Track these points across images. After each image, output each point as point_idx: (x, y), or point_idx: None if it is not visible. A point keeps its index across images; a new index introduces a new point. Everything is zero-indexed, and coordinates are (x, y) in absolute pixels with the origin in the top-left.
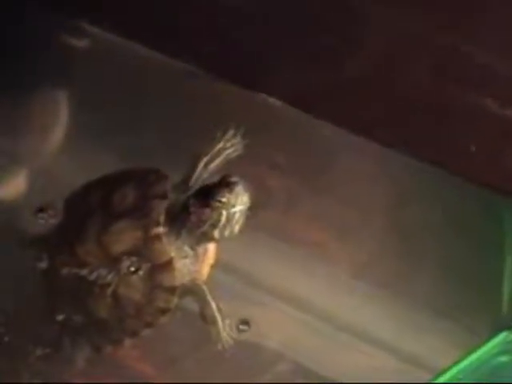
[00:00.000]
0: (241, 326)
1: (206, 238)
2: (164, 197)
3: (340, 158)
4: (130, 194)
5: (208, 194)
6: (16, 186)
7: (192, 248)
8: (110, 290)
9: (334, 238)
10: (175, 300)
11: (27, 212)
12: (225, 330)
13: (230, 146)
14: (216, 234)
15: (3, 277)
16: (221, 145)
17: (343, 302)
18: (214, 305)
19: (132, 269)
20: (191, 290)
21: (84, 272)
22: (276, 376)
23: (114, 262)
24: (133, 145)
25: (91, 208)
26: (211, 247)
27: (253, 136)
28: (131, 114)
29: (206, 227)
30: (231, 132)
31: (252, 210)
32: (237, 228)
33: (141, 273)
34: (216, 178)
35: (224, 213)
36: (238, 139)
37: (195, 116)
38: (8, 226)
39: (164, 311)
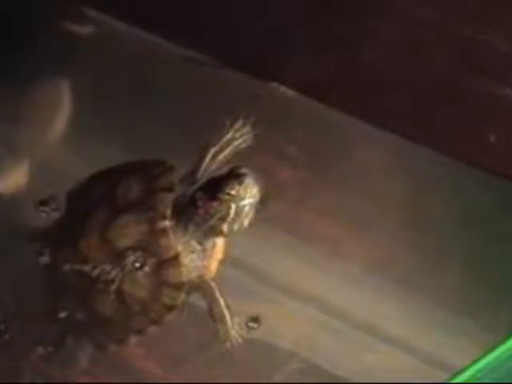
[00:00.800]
0: (250, 324)
1: (214, 232)
2: (170, 189)
3: (354, 149)
4: (135, 186)
5: (216, 187)
6: (16, 177)
7: (200, 243)
8: (114, 287)
9: (347, 232)
10: (182, 297)
11: (28, 205)
12: (234, 327)
13: (239, 137)
14: (225, 228)
15: (3, 272)
16: (230, 135)
17: (357, 298)
18: (222, 302)
19: (137, 264)
20: (199, 286)
21: (87, 268)
22: (287, 376)
23: (118, 257)
24: (138, 136)
25: (95, 201)
26: (220, 242)
27: (263, 126)
28: (136, 103)
29: (214, 221)
30: (240, 122)
31: (262, 203)
32: (246, 222)
33: (146, 268)
34: (224, 170)
35: (233, 206)
36: (247, 129)
37: (203, 105)
38: (8, 219)
39: (170, 308)
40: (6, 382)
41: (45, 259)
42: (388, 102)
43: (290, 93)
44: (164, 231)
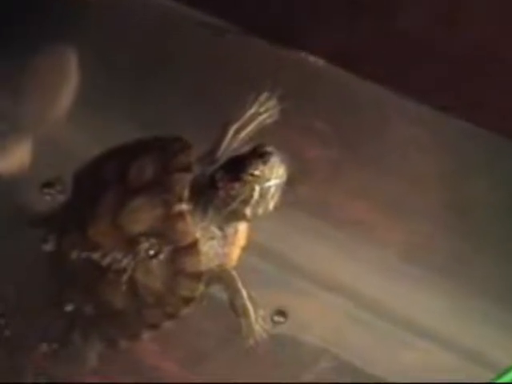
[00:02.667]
0: (276, 318)
1: (237, 216)
2: (188, 169)
3: (389, 125)
4: (149, 166)
5: (238, 167)
6: (19, 157)
7: (220, 228)
8: (125, 277)
9: (382, 215)
10: (200, 288)
11: (31, 187)
12: (258, 322)
13: (263, 112)
14: (248, 211)
15: (4, 261)
16: (253, 110)
17: (392, 289)
18: (245, 293)
19: (151, 252)
20: (219, 276)
21: (96, 256)
22: (317, 375)
23: (130, 244)
24: (150, 110)
25: (105, 182)
26: (242, 227)
27: (290, 100)
28: (149, 75)
29: (236, 204)
30: (265, 95)
31: (289, 184)
32: (271, 205)
33: (161, 256)
34: (247, 148)
35: (257, 188)
36: (273, 103)
37: (224, 77)
38: (9, 202)
39: (188, 300)
40: (7, 382)
41: (49, 246)
42: (425, 72)
43: (320, 63)
44: (181, 215)
